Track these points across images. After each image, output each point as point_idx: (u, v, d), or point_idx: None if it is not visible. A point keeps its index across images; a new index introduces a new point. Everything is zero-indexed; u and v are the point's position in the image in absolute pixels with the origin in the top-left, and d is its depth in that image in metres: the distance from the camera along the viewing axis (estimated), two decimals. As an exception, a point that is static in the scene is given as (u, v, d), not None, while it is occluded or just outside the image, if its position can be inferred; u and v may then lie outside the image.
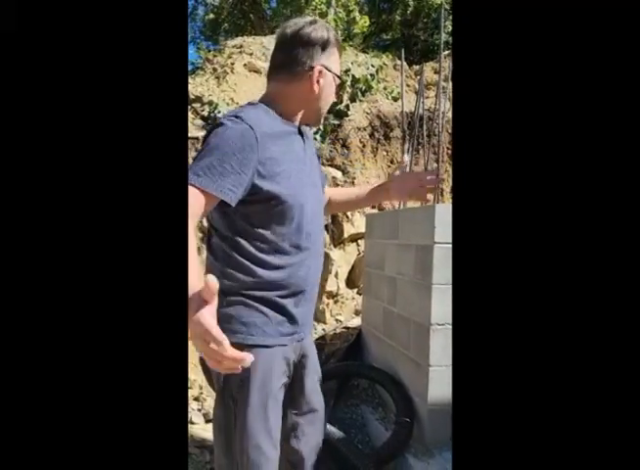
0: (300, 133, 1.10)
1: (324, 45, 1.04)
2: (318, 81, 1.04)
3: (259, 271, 0.99)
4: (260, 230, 0.99)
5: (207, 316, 0.70)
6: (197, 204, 0.87)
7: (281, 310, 1.02)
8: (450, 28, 7.88)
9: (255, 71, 3.34)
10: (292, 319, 1.04)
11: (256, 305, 1.00)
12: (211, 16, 9.45)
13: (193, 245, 0.83)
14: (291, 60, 1.04)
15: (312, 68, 1.03)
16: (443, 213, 1.69)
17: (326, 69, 1.05)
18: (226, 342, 0.70)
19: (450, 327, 1.68)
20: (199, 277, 0.75)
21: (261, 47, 3.68)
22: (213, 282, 0.69)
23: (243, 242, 0.99)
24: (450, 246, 1.68)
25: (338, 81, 1.11)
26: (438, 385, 1.66)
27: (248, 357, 0.71)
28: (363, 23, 6.33)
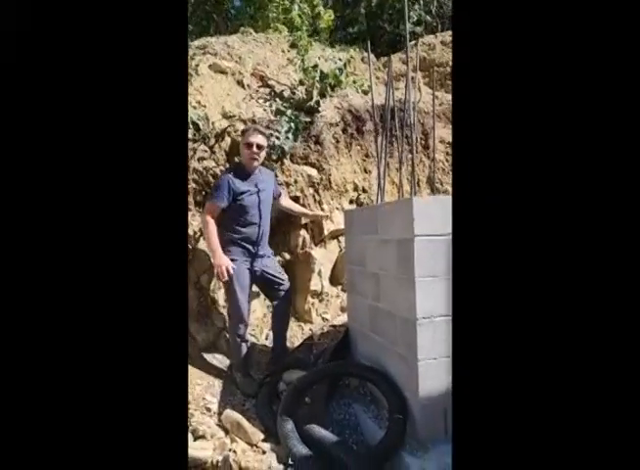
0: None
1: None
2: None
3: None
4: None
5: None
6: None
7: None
8: (416, 19, 7.90)
9: (221, 72, 3.25)
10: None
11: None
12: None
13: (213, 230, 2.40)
14: None
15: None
16: (421, 206, 1.67)
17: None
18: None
19: (436, 320, 1.67)
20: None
21: (225, 46, 3.58)
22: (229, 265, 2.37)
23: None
24: (430, 238, 1.66)
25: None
26: (428, 379, 1.65)
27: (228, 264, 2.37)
28: (328, 17, 6.26)
